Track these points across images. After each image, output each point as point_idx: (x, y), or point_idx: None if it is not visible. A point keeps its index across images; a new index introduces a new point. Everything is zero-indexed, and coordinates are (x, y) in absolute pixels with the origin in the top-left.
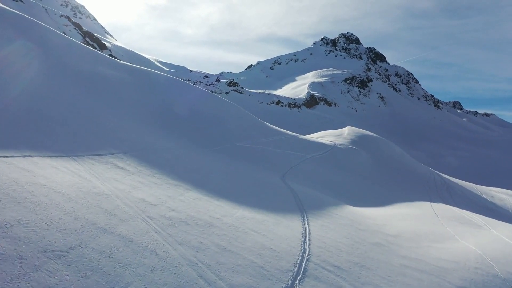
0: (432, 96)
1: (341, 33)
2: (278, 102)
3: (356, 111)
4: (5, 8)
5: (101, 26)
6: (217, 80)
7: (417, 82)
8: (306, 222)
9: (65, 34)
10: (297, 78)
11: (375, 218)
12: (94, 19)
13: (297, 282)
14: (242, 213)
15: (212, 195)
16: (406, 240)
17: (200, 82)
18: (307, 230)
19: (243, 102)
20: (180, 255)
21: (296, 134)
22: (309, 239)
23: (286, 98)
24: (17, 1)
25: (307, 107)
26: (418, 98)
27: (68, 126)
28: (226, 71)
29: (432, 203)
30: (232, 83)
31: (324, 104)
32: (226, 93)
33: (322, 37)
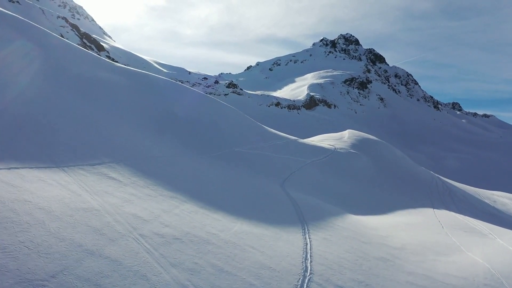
0: (432, 97)
1: (341, 34)
2: (278, 104)
3: (356, 112)
4: (1, 11)
5: (100, 27)
6: (216, 82)
7: (416, 83)
8: (307, 235)
9: (62, 35)
10: (296, 79)
11: (378, 229)
12: (93, 20)
13: None
14: (240, 227)
15: (209, 207)
16: (411, 253)
17: (199, 83)
18: (308, 245)
19: (242, 104)
20: (173, 279)
21: (296, 138)
22: (310, 255)
23: (285, 99)
24: (13, 2)
25: (306, 109)
26: (418, 100)
27: (60, 134)
28: (225, 72)
29: (434, 210)
30: (231, 85)
31: (323, 105)
32: (225, 94)
33: (322, 38)
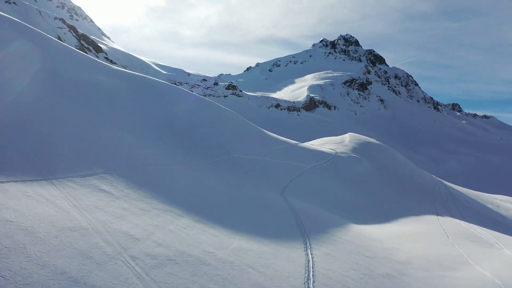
0: (432, 98)
1: (340, 35)
2: (277, 106)
3: (356, 114)
4: None
5: (98, 28)
6: (215, 83)
7: (416, 84)
8: (308, 250)
9: (59, 37)
10: (296, 80)
11: (382, 240)
12: (91, 21)
13: None
14: (239, 244)
15: (206, 221)
16: (418, 268)
17: (198, 85)
18: (311, 262)
19: (241, 106)
20: None
21: (296, 142)
22: (313, 275)
23: (285, 101)
24: (10, 3)
25: (306, 111)
26: (418, 101)
27: (50, 143)
28: (224, 73)
29: (438, 217)
30: (230, 86)
31: (323, 107)
32: (225, 96)
33: (321, 39)
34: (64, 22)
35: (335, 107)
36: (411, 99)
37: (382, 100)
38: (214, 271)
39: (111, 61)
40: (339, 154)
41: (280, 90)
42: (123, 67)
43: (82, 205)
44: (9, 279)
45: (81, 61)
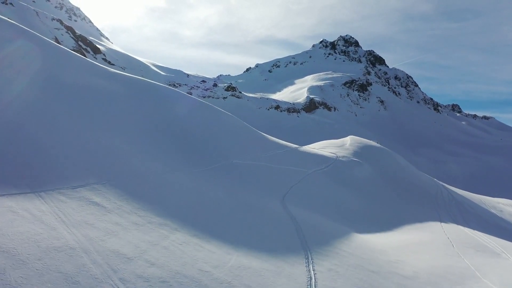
0: (432, 99)
1: (340, 36)
2: (277, 107)
3: (356, 115)
4: None
5: (97, 29)
6: (215, 85)
7: (416, 85)
8: (310, 266)
9: (56, 38)
10: (296, 81)
11: (386, 252)
12: (90, 21)
13: None
14: (237, 260)
15: (203, 235)
16: (425, 283)
17: (197, 87)
18: (313, 279)
19: (241, 107)
20: None
21: (296, 146)
22: None
23: (285, 102)
24: (7, 4)
25: (306, 112)
26: (418, 102)
27: (40, 151)
28: (224, 74)
29: (442, 224)
30: (230, 88)
31: (323, 108)
32: (224, 98)
33: (321, 39)
34: (61, 23)
35: (335, 109)
36: (411, 100)
37: (382, 101)
38: None
39: (109, 63)
40: (340, 158)
41: (279, 91)
42: (121, 68)
43: (71, 221)
44: None
45: (76, 63)
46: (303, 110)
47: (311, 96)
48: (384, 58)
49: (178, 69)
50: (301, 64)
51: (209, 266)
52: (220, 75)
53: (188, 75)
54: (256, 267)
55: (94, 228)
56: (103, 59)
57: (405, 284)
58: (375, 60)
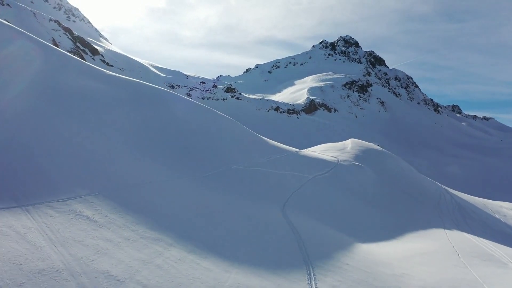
0: (432, 100)
1: (340, 36)
2: (277, 109)
3: (356, 116)
4: None
5: (96, 30)
6: (214, 86)
7: (416, 86)
8: (313, 283)
9: (54, 39)
10: (296, 82)
11: (391, 265)
12: (89, 22)
13: None
14: (235, 279)
15: (199, 251)
16: None
17: (197, 88)
18: None
19: (240, 109)
20: None
21: (297, 150)
22: None
23: (285, 104)
24: (3, 5)
25: (306, 113)
26: (418, 103)
27: (29, 160)
28: (224, 74)
29: (446, 231)
30: (229, 89)
31: (323, 109)
32: (223, 99)
33: (321, 40)
34: (59, 24)
35: (335, 110)
36: (411, 101)
37: (382, 103)
38: None
39: (107, 64)
40: (341, 162)
41: (279, 92)
42: (119, 70)
43: (59, 238)
44: None
45: (69, 65)
46: (303, 111)
47: (311, 97)
48: (384, 58)
49: (177, 70)
50: (301, 65)
51: (206, 286)
52: (220, 75)
53: (187, 76)
54: (255, 286)
55: (83, 246)
56: (101, 60)
57: None
58: (375, 60)
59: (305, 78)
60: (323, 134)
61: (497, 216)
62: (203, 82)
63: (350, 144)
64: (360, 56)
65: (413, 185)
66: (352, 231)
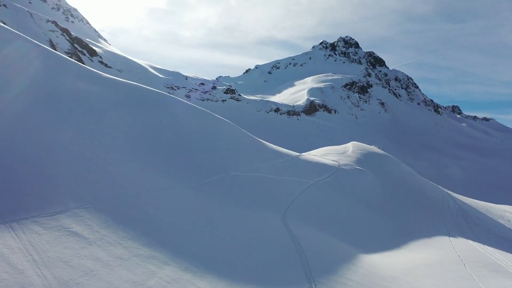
0: (432, 101)
1: (340, 37)
2: (277, 110)
3: (357, 117)
4: None
5: (95, 30)
6: (214, 87)
7: (417, 87)
8: None
9: (51, 41)
10: (296, 83)
11: (397, 279)
12: (87, 22)
13: None
14: None
15: (196, 269)
16: None
17: (196, 89)
18: None
19: (240, 110)
20: None
21: (297, 154)
22: None
23: (285, 105)
24: (0, 6)
25: (306, 115)
26: (418, 103)
27: (16, 170)
28: (224, 75)
29: (451, 239)
30: (229, 91)
31: (323, 111)
32: (223, 101)
33: (321, 41)
34: (56, 25)
35: (335, 111)
36: (411, 101)
37: (382, 104)
38: None
39: (105, 65)
40: (343, 167)
41: (279, 93)
42: (118, 71)
43: (44, 259)
44: None
45: (64, 67)
46: (303, 112)
47: (311, 99)
48: (384, 59)
49: (177, 70)
50: (301, 65)
51: None
52: (220, 76)
53: (186, 77)
54: None
55: (69, 267)
56: (99, 61)
57: None
58: (375, 61)
59: (305, 79)
60: (324, 135)
61: (501, 221)
62: (202, 84)
63: (351, 148)
64: (360, 57)
65: (415, 189)
66: (355, 239)
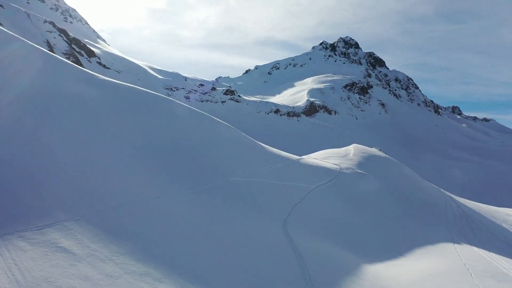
0: (432, 101)
1: (340, 37)
2: (277, 111)
3: (357, 118)
4: None
5: (93, 31)
6: (213, 89)
7: (417, 87)
8: None
9: (48, 41)
10: (296, 83)
11: None
12: (86, 23)
13: None
14: None
15: (191, 286)
16: None
17: (195, 91)
18: None
19: (240, 112)
20: None
21: (298, 157)
22: None
23: (285, 106)
24: None
25: (306, 116)
26: (418, 104)
27: (1, 180)
28: (223, 75)
29: (456, 245)
30: (228, 92)
31: (324, 112)
32: (223, 102)
33: (321, 41)
34: (54, 25)
35: (335, 112)
36: (411, 102)
37: (383, 104)
38: None
39: (104, 66)
40: (344, 171)
41: (279, 93)
42: (116, 72)
43: (28, 280)
44: None
45: (58, 69)
46: (303, 113)
47: (311, 100)
48: (384, 60)
49: (176, 71)
50: (301, 66)
51: None
52: (219, 77)
53: (186, 78)
54: None
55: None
56: (97, 62)
57: None
58: (375, 62)
59: (305, 80)
60: (324, 137)
61: (504, 225)
62: (201, 84)
63: (352, 150)
64: (360, 57)
65: (418, 193)
66: (358, 247)
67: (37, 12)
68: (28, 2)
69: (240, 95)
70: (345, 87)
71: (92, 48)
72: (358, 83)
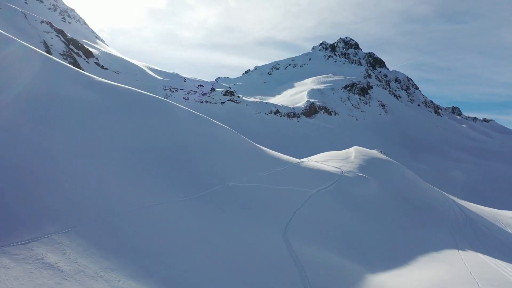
0: (432, 102)
1: (340, 38)
2: (277, 112)
3: (357, 119)
4: None
5: (92, 31)
6: (213, 89)
7: (417, 88)
8: None
9: (45, 42)
10: (295, 84)
11: None
12: (85, 23)
13: None
14: None
15: None
16: None
17: (194, 91)
18: None
19: (239, 113)
20: None
21: (298, 161)
22: None
23: (284, 107)
24: None
25: (306, 117)
26: (418, 105)
27: None
28: (223, 76)
29: (460, 252)
30: (228, 92)
31: (324, 113)
32: (222, 103)
33: (321, 41)
34: (51, 26)
35: (335, 113)
36: (411, 103)
37: (383, 105)
38: None
39: (102, 67)
40: (345, 174)
41: (279, 94)
42: (115, 73)
43: None
44: None
45: (54, 72)
46: (303, 114)
47: (311, 100)
48: (384, 60)
49: (175, 72)
50: (301, 66)
51: None
52: (219, 77)
53: (185, 79)
54: None
55: None
56: (95, 63)
57: None
58: (375, 62)
59: (305, 80)
60: (324, 138)
61: (508, 229)
62: (201, 85)
63: (353, 153)
64: (360, 58)
65: (420, 197)
66: (361, 256)
67: (35, 12)
68: (26, 2)
69: (240, 96)
70: (345, 87)
71: (90, 49)
72: (358, 84)
